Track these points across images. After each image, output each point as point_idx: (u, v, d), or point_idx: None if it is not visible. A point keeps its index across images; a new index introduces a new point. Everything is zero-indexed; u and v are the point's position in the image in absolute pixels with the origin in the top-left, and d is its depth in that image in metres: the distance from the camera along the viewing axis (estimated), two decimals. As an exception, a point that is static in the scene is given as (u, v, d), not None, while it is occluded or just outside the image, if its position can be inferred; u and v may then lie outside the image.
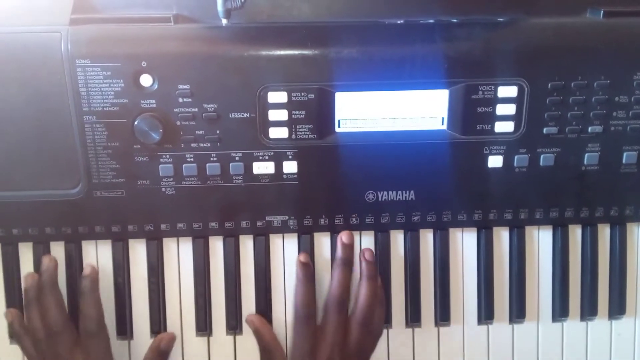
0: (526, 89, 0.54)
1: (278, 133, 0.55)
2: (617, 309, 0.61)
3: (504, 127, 0.55)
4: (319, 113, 0.54)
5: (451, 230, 0.60)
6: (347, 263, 0.58)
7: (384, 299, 0.59)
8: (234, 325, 0.60)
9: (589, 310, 0.61)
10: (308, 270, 0.58)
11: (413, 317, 0.61)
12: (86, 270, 0.57)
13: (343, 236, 0.58)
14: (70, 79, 0.52)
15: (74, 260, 0.58)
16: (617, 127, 0.56)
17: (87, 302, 0.56)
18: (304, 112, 0.54)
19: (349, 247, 0.58)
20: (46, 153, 0.54)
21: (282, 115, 0.54)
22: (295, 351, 0.57)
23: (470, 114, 0.55)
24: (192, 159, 0.55)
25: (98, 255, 0.59)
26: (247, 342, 0.60)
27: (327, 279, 0.60)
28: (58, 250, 0.58)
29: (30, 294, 0.56)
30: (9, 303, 0.58)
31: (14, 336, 0.58)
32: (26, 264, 0.58)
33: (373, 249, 0.60)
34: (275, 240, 0.60)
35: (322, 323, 0.57)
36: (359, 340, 0.57)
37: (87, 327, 0.56)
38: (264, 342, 0.58)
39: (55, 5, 0.54)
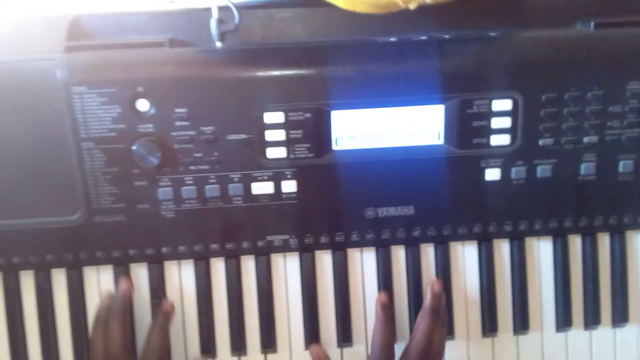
0: (520, 102, 0.55)
1: (276, 153, 0.55)
2: (620, 316, 0.61)
3: (499, 140, 0.56)
4: (316, 132, 0.55)
5: (452, 243, 0.60)
6: (437, 314, 0.57)
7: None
8: (238, 347, 0.59)
9: (592, 319, 0.61)
10: (389, 311, 0.58)
11: (417, 332, 0.60)
12: (166, 306, 0.57)
13: (435, 285, 0.57)
14: (67, 106, 0.52)
15: (76, 287, 0.58)
16: (612, 137, 0.56)
17: (158, 334, 0.55)
18: (301, 131, 0.54)
19: (439, 298, 0.57)
20: (45, 180, 0.55)
21: (279, 135, 0.54)
22: None
23: (466, 128, 0.55)
24: (191, 182, 0.55)
25: (100, 281, 0.59)
26: (251, 363, 0.60)
27: (328, 297, 0.60)
28: (59, 277, 0.58)
29: (101, 315, 0.55)
30: (11, 332, 0.58)
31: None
32: (27, 292, 0.58)
33: (374, 266, 0.60)
34: (277, 260, 0.60)
35: None
36: None
37: (148, 357, 0.54)
38: None
39: (50, 32, 0.54)
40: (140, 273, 0.59)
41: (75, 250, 0.57)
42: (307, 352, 0.60)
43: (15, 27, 0.54)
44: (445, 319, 0.58)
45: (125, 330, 0.55)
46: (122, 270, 0.58)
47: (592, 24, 0.55)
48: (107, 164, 0.54)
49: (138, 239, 0.57)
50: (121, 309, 0.55)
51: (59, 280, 0.58)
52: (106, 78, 0.52)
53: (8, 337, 0.58)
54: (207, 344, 0.59)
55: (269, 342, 0.60)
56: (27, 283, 0.58)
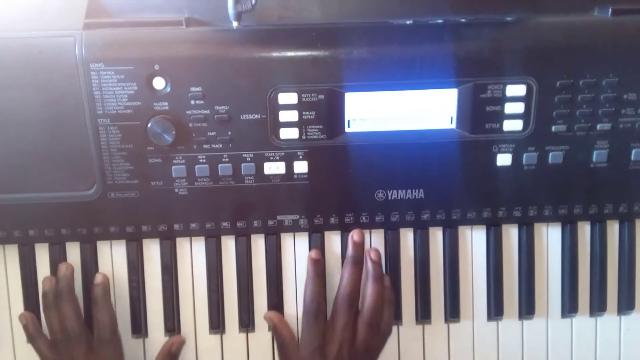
0: (535, 88, 0.54)
1: (289, 134, 0.55)
2: (626, 304, 0.62)
3: (512, 125, 0.56)
4: (329, 113, 0.55)
5: (460, 228, 0.61)
6: (358, 261, 0.58)
7: (393, 298, 0.60)
8: (246, 323, 0.61)
9: (598, 306, 0.62)
10: (318, 266, 0.58)
11: (423, 314, 0.61)
12: (98, 279, 0.58)
13: (354, 234, 0.59)
14: (85, 83, 0.53)
15: (90, 260, 0.59)
16: (625, 125, 0.56)
17: (101, 309, 0.58)
18: (314, 112, 0.55)
19: (359, 246, 0.58)
20: (61, 156, 0.55)
21: (292, 116, 0.55)
22: (304, 346, 0.58)
23: (479, 112, 0.55)
24: (204, 160, 0.56)
25: (113, 255, 0.60)
26: (260, 339, 0.61)
27: (337, 277, 0.61)
28: (74, 250, 0.59)
29: (48, 297, 0.58)
30: (27, 302, 0.60)
31: (28, 338, 0.59)
32: (43, 265, 0.60)
33: (383, 248, 0.61)
34: (287, 239, 0.61)
35: (331, 320, 0.58)
36: (367, 339, 0.57)
37: (101, 334, 0.57)
38: (281, 339, 0.59)
39: (69, 10, 0.54)
40: (153, 249, 0.60)
41: (90, 225, 0.58)
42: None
43: (35, 3, 0.54)
44: (378, 273, 0.58)
45: (77, 308, 0.58)
46: (134, 246, 0.59)
47: (610, 10, 0.55)
48: (123, 141, 0.55)
49: (151, 215, 0.58)
50: (67, 290, 0.58)
51: (73, 253, 0.59)
52: (123, 56, 0.53)
53: (24, 307, 0.60)
54: (216, 320, 0.61)
55: (277, 319, 0.61)
56: (42, 255, 0.59)
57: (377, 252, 0.59)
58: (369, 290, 0.58)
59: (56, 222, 0.57)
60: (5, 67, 0.53)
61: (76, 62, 0.52)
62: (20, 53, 0.53)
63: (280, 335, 0.59)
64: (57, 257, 0.59)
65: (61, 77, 0.53)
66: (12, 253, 0.59)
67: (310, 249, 0.60)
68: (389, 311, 0.59)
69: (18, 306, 0.60)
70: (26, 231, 0.57)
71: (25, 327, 0.58)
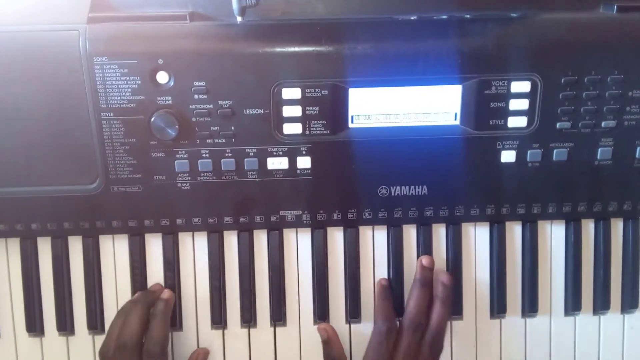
0: (539, 84, 0.54)
1: (292, 129, 0.55)
2: (630, 302, 0.62)
3: (517, 122, 0.55)
4: (333, 109, 0.55)
5: (464, 224, 0.61)
6: (426, 285, 0.58)
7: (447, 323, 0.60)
8: (248, 319, 0.61)
9: (601, 304, 0.61)
10: (387, 291, 0.60)
11: (426, 311, 0.61)
12: (165, 294, 0.58)
13: (423, 260, 0.59)
14: (88, 77, 0.53)
15: (92, 255, 0.59)
16: (630, 122, 0.56)
17: (158, 324, 0.56)
18: (317, 108, 0.55)
19: (428, 270, 0.59)
20: (64, 149, 0.55)
21: (296, 111, 0.55)
22: None
23: (483, 109, 0.55)
24: (207, 155, 0.56)
25: (115, 250, 0.60)
26: (261, 335, 0.61)
27: (340, 274, 0.61)
28: (76, 244, 0.59)
29: (127, 305, 0.57)
30: (27, 296, 0.59)
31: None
32: (45, 259, 0.60)
33: (385, 244, 0.61)
34: (289, 235, 0.61)
35: (396, 341, 0.58)
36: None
37: (151, 349, 0.55)
38: (333, 354, 0.59)
39: (73, 3, 0.54)
40: (155, 243, 0.60)
41: (92, 219, 0.58)
42: (316, 327, 0.61)
43: (39, -3, 0.54)
44: (446, 297, 0.58)
45: (144, 324, 0.56)
46: (137, 240, 0.59)
47: (615, 7, 0.55)
48: (126, 135, 0.55)
49: (153, 210, 0.57)
50: (165, 310, 0.57)
51: (75, 247, 0.59)
52: (127, 50, 0.53)
53: (24, 301, 0.60)
54: (218, 315, 0.60)
55: (278, 315, 0.61)
56: (44, 249, 0.59)
57: (450, 276, 0.59)
58: (436, 313, 0.58)
59: (59, 215, 0.57)
60: (9, 60, 0.53)
61: (80, 55, 0.52)
62: (25, 47, 0.53)
63: (332, 348, 0.59)
64: (59, 251, 0.59)
65: (65, 70, 0.53)
66: (14, 246, 0.59)
67: (312, 244, 0.60)
68: (445, 331, 0.59)
69: (19, 300, 0.60)
70: (28, 225, 0.57)
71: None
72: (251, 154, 0.56)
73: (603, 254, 0.61)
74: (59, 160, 0.56)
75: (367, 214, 0.59)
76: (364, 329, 0.61)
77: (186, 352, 0.61)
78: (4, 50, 0.52)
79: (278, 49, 0.53)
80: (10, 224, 0.57)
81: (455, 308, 0.61)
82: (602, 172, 0.57)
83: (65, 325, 0.60)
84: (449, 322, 0.62)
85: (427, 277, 0.59)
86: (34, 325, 0.60)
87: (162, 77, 0.53)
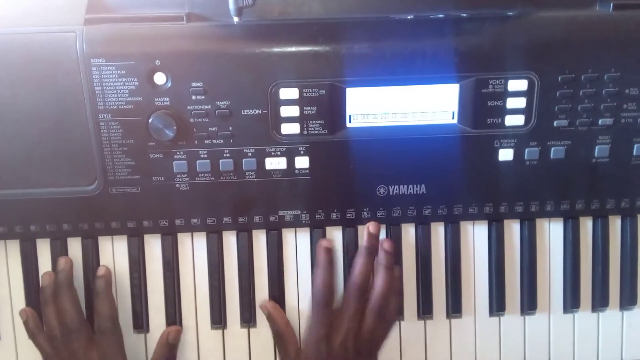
0: (536, 82, 0.54)
1: (290, 129, 0.55)
2: (629, 299, 0.62)
3: (514, 120, 0.56)
4: (330, 109, 0.55)
5: (462, 223, 0.61)
6: (371, 252, 0.58)
7: (401, 289, 0.60)
8: (248, 319, 0.61)
9: (600, 302, 0.62)
10: (330, 255, 0.58)
11: (425, 309, 0.61)
12: (100, 271, 0.59)
13: (370, 226, 0.58)
14: (86, 78, 0.53)
15: (91, 256, 0.59)
16: (627, 120, 0.56)
17: (102, 301, 0.58)
18: (315, 107, 0.55)
19: (374, 237, 0.58)
20: (63, 151, 0.55)
21: (293, 111, 0.55)
22: (310, 334, 0.57)
23: (481, 107, 0.55)
24: (205, 155, 0.56)
25: (114, 251, 0.60)
26: (261, 334, 0.61)
27: (339, 272, 0.61)
28: (75, 246, 0.59)
29: (46, 292, 0.58)
30: (28, 297, 0.60)
31: (29, 334, 0.59)
32: (44, 260, 0.60)
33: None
34: (288, 235, 0.61)
35: (340, 308, 0.58)
36: (373, 328, 0.57)
37: (102, 325, 0.57)
38: (276, 327, 0.59)
39: (70, 5, 0.54)
40: (154, 244, 0.60)
41: (91, 220, 0.58)
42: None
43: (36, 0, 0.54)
44: (389, 263, 0.57)
45: (77, 302, 0.58)
46: (136, 241, 0.59)
47: (612, 4, 0.55)
48: (124, 136, 0.55)
49: (152, 211, 0.58)
50: (66, 283, 0.58)
51: (75, 249, 0.60)
52: (124, 51, 0.53)
53: (25, 302, 0.60)
54: (218, 315, 0.61)
55: (278, 315, 0.61)
56: (44, 251, 0.59)
57: (391, 242, 0.58)
58: (379, 279, 0.57)
59: (58, 217, 0.57)
60: (6, 63, 0.53)
61: (77, 57, 0.52)
62: (22, 49, 0.53)
63: (275, 323, 0.59)
64: (59, 253, 0.59)
65: (62, 72, 0.53)
66: (13, 248, 0.59)
67: (312, 244, 0.60)
68: (395, 301, 0.59)
69: (19, 301, 0.60)
70: (28, 226, 0.58)
71: (26, 323, 0.58)
72: (249, 154, 0.56)
73: (601, 251, 0.61)
74: (57, 162, 0.56)
75: (365, 213, 0.59)
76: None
77: (186, 353, 0.61)
78: (1, 53, 0.52)
79: (275, 49, 0.53)
80: (10, 225, 0.57)
81: (454, 306, 0.61)
82: (600, 170, 0.57)
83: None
84: (448, 320, 0.62)
85: (373, 244, 0.58)
86: (34, 327, 0.60)
87: (160, 78, 0.53)
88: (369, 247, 0.58)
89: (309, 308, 0.58)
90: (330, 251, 0.58)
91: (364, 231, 0.59)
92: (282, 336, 0.59)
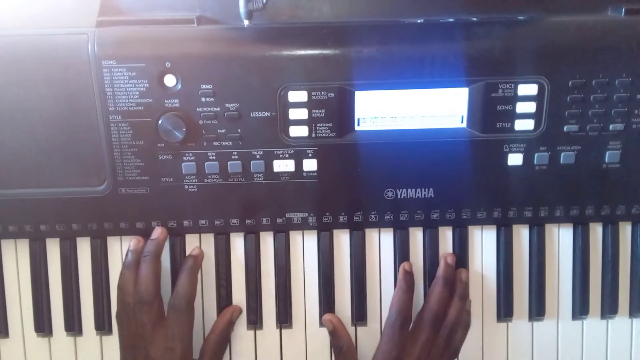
0: (546, 87, 0.54)
1: (298, 131, 0.56)
2: (638, 306, 0.61)
3: (524, 125, 0.55)
4: (339, 112, 0.55)
5: (470, 228, 0.60)
6: (448, 282, 0.59)
7: (469, 321, 0.60)
8: (254, 321, 0.61)
9: (609, 308, 0.61)
10: (410, 278, 0.59)
11: (432, 314, 0.61)
12: (194, 251, 0.59)
13: (449, 258, 0.60)
14: (97, 80, 0.53)
15: (100, 256, 0.60)
16: (638, 125, 0.55)
17: (186, 279, 0.57)
18: (324, 110, 0.55)
19: (451, 267, 0.59)
20: (73, 151, 0.56)
21: (302, 114, 0.55)
22: (380, 354, 0.57)
23: (490, 112, 0.55)
24: (214, 157, 0.56)
25: (123, 251, 0.60)
26: (267, 337, 0.61)
27: (346, 275, 0.61)
28: (84, 245, 0.60)
29: (132, 256, 0.57)
30: (36, 297, 0.60)
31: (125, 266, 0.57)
32: (53, 259, 0.60)
33: (392, 247, 0.61)
34: (295, 237, 0.61)
35: (412, 332, 0.58)
36: (442, 356, 0.57)
37: (177, 303, 0.56)
38: (340, 343, 0.59)
39: (82, 7, 0.55)
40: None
41: (100, 221, 0.58)
42: (322, 329, 0.61)
43: (49, 2, 0.55)
44: (464, 294, 0.59)
45: (158, 274, 0.57)
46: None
47: (624, 9, 0.55)
48: (134, 137, 0.55)
49: (161, 212, 0.58)
50: (155, 253, 0.57)
51: (84, 248, 0.60)
52: (135, 53, 0.53)
53: (33, 302, 0.60)
54: (225, 317, 0.61)
55: (284, 317, 0.61)
56: (53, 250, 0.60)
57: (467, 272, 0.60)
58: (454, 310, 0.58)
59: (67, 217, 0.58)
60: (18, 64, 0.53)
61: (89, 59, 0.53)
62: (34, 50, 0.53)
63: (340, 338, 0.59)
64: (68, 252, 0.60)
65: (74, 74, 0.54)
66: (23, 247, 0.60)
67: (319, 247, 0.60)
68: (463, 332, 0.60)
69: (28, 300, 0.60)
70: (37, 226, 0.58)
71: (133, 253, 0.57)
72: (257, 156, 0.56)
73: (611, 257, 0.60)
74: (67, 162, 0.56)
75: (373, 216, 0.59)
76: (370, 332, 0.61)
77: (193, 354, 0.61)
78: (13, 54, 0.53)
79: (285, 52, 0.53)
80: (20, 225, 0.58)
81: (465, 303, 0.61)
82: (610, 176, 0.57)
83: (73, 326, 0.60)
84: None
85: (450, 274, 0.59)
86: (42, 326, 0.60)
87: (170, 80, 0.54)
88: (445, 276, 0.59)
89: (385, 328, 0.58)
90: (410, 275, 0.59)
91: (441, 260, 0.59)
92: (345, 353, 0.59)
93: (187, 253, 0.60)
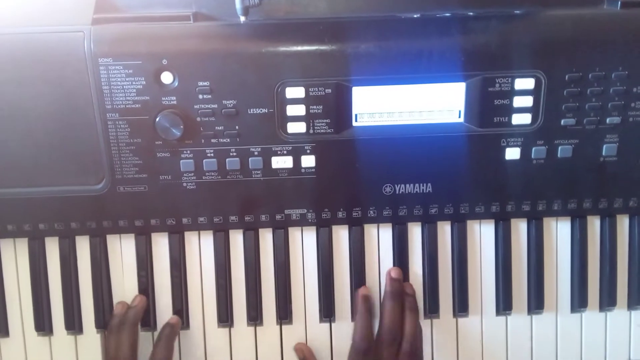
0: (543, 81, 0.54)
1: (296, 128, 0.55)
2: (636, 299, 0.61)
3: (521, 119, 0.55)
4: (337, 108, 0.55)
5: (469, 222, 0.61)
6: (397, 296, 0.59)
7: (421, 329, 0.61)
8: (254, 317, 0.61)
9: (607, 301, 0.61)
10: (369, 302, 0.59)
11: (431, 309, 0.61)
12: (172, 319, 0.60)
13: (392, 272, 0.60)
14: (94, 77, 0.53)
15: (99, 254, 0.60)
16: (635, 118, 0.56)
17: (163, 347, 0.58)
18: (321, 107, 0.55)
19: (397, 281, 0.59)
20: (71, 150, 0.56)
21: (299, 110, 0.55)
22: None
23: (487, 106, 0.55)
24: (212, 154, 0.56)
25: (122, 249, 0.60)
26: (267, 333, 0.62)
27: (345, 272, 0.61)
28: (83, 244, 0.60)
29: (116, 320, 0.59)
30: (36, 296, 0.60)
31: (114, 323, 0.59)
32: (53, 258, 0.60)
33: (390, 242, 0.61)
34: (294, 233, 0.61)
35: (375, 356, 0.58)
36: None
37: None
38: None
39: (78, 5, 0.55)
40: (161, 242, 0.60)
41: (99, 219, 0.58)
42: (322, 325, 0.61)
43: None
44: (414, 306, 0.59)
45: (134, 341, 0.58)
46: (143, 239, 0.60)
47: (619, 3, 0.55)
48: (131, 135, 0.55)
49: (159, 209, 0.58)
50: (133, 321, 0.58)
51: (83, 247, 0.60)
52: (132, 50, 0.53)
53: (32, 301, 0.60)
54: (224, 314, 0.61)
55: (284, 313, 0.61)
56: (52, 249, 0.60)
57: (411, 286, 0.60)
58: (408, 322, 0.58)
59: (66, 216, 0.58)
60: (15, 62, 0.53)
61: (85, 57, 0.53)
62: (30, 48, 0.53)
63: None
64: (67, 251, 0.60)
65: (70, 71, 0.53)
66: (22, 246, 0.60)
67: (317, 243, 0.61)
68: (420, 342, 0.60)
69: (28, 299, 0.60)
70: (36, 225, 0.58)
71: (127, 310, 0.59)
72: (256, 153, 0.56)
73: (609, 250, 0.61)
74: (65, 160, 0.56)
75: (371, 212, 0.59)
76: (370, 327, 0.61)
77: (193, 351, 0.61)
78: (9, 52, 0.53)
79: (281, 49, 0.53)
80: (19, 224, 0.58)
81: (461, 305, 0.61)
82: (608, 169, 0.57)
83: (74, 324, 0.60)
84: (455, 319, 0.62)
85: (397, 288, 0.59)
86: (43, 325, 0.60)
87: (167, 78, 0.54)
88: (393, 291, 0.59)
89: (348, 356, 0.58)
90: (368, 299, 0.59)
91: (386, 276, 0.60)
92: None
93: (186, 251, 0.61)
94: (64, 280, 0.60)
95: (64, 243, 0.60)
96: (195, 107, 0.54)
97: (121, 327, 0.58)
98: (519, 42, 0.54)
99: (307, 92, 0.54)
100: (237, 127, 0.55)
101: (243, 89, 0.54)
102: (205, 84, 0.54)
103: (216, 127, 0.55)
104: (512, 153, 0.56)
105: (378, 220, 0.60)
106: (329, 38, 0.53)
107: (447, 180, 0.58)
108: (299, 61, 0.53)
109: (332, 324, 0.62)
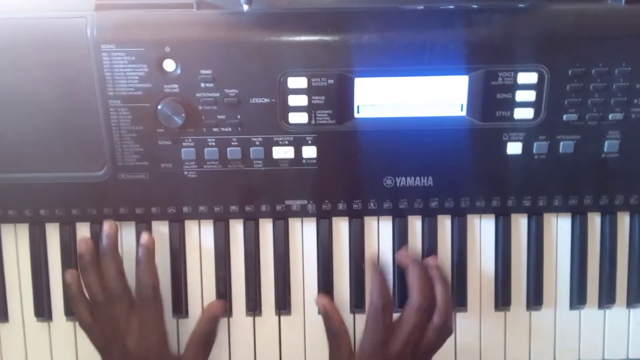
0: (546, 76, 0.54)
1: (298, 118, 0.55)
2: (636, 296, 0.61)
3: (523, 113, 0.55)
4: (339, 99, 0.55)
5: (469, 216, 0.60)
6: (420, 265, 0.58)
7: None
8: (253, 307, 0.61)
9: (607, 298, 0.61)
10: (378, 265, 0.59)
11: (430, 302, 0.61)
12: (143, 239, 0.57)
13: (402, 250, 0.60)
14: (96, 64, 0.53)
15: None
16: (638, 115, 0.55)
17: (144, 269, 0.56)
18: (323, 97, 0.55)
19: (412, 255, 0.59)
20: (72, 136, 0.56)
21: (302, 100, 0.55)
22: (366, 339, 0.57)
23: (490, 100, 0.55)
24: (213, 143, 0.56)
25: (122, 237, 0.60)
26: (266, 323, 0.62)
27: (345, 262, 0.61)
28: (84, 230, 0.60)
29: (86, 258, 0.57)
30: (36, 281, 0.60)
31: (70, 299, 0.58)
32: (53, 244, 0.60)
33: (390, 235, 0.61)
34: (294, 224, 0.61)
35: (401, 320, 0.57)
36: (434, 343, 0.57)
37: (143, 293, 0.56)
38: (332, 325, 0.59)
39: (81, -9, 0.55)
40: (162, 231, 0.60)
41: (100, 206, 0.58)
42: (320, 316, 0.61)
43: (48, -16, 0.55)
44: (444, 278, 0.58)
45: (121, 267, 0.57)
46: (143, 227, 0.60)
47: (624, -2, 0.54)
48: (133, 122, 0.55)
49: (160, 197, 0.58)
50: (111, 247, 0.57)
51: (84, 233, 0.60)
52: (134, 37, 0.53)
53: (32, 287, 0.60)
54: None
55: (283, 304, 0.61)
56: (53, 235, 0.60)
57: (436, 258, 0.60)
58: (440, 295, 0.56)
59: (67, 202, 0.58)
60: (17, 47, 0.53)
61: (87, 43, 0.53)
62: (32, 33, 0.53)
63: (331, 321, 0.59)
64: (68, 237, 0.60)
65: (73, 57, 0.53)
66: (23, 232, 0.60)
67: (318, 234, 0.60)
68: (451, 314, 0.58)
69: (28, 285, 0.60)
70: (37, 210, 0.58)
71: (69, 286, 0.57)
72: (257, 143, 0.56)
73: (609, 247, 0.60)
74: (66, 147, 0.56)
75: (372, 204, 0.59)
76: (368, 319, 0.61)
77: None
78: (12, 37, 0.53)
79: (284, 38, 0.53)
80: (19, 209, 0.58)
81: (459, 300, 0.61)
82: (609, 165, 0.57)
83: (73, 311, 0.60)
84: (453, 314, 0.62)
85: (416, 257, 0.59)
86: (42, 310, 0.61)
87: (169, 65, 0.54)
88: (415, 259, 0.58)
89: (368, 313, 0.57)
90: (376, 262, 0.59)
91: (397, 257, 0.60)
92: (336, 335, 0.59)
93: (186, 239, 0.61)
94: (64, 266, 0.60)
95: (64, 229, 0.60)
96: (197, 95, 0.54)
97: (101, 257, 0.56)
98: (523, 36, 0.53)
99: (309, 82, 0.54)
100: (238, 117, 0.55)
101: (245, 78, 0.54)
102: (208, 72, 0.54)
103: (218, 116, 0.55)
104: (514, 148, 0.56)
105: (378, 212, 0.60)
106: (332, 28, 0.53)
107: (448, 173, 0.58)
108: (301, 51, 0.53)
109: (331, 316, 0.61)
